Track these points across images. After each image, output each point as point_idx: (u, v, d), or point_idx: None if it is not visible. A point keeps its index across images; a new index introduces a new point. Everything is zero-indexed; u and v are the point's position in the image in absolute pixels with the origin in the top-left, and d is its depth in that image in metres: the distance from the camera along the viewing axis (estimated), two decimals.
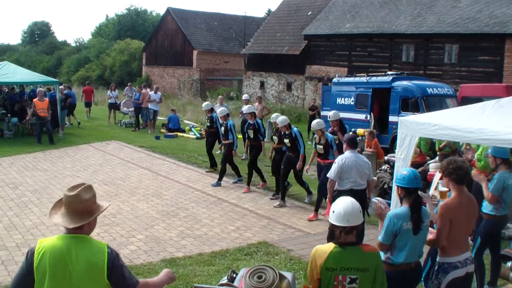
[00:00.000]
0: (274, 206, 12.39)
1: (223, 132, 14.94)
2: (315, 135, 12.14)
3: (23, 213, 11.56)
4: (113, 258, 3.79)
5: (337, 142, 12.47)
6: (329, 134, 12.06)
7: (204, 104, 16.94)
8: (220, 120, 15.45)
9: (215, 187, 14.21)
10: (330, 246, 4.61)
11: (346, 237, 4.59)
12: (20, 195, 13.11)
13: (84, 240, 3.79)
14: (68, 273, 3.66)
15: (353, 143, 9.27)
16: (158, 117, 25.94)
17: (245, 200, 13.01)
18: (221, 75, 49.48)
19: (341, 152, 10.53)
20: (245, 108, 15.40)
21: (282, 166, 12.63)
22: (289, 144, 12.50)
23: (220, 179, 14.55)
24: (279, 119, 12.94)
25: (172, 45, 52.07)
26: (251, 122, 14.58)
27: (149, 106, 24.79)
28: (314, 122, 12.04)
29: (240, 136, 20.81)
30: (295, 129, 12.64)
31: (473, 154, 11.24)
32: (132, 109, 25.92)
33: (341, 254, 4.54)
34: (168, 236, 10.26)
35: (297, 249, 9.53)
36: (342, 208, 4.60)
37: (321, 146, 11.80)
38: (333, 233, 8.36)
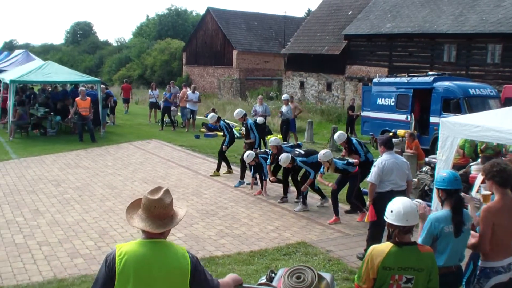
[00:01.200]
0: (295, 210, 12.20)
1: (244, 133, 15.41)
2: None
3: (65, 210, 11.76)
4: (195, 263, 3.74)
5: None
6: (338, 161, 11.48)
7: (236, 112, 15.77)
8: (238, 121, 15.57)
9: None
10: (388, 245, 4.61)
11: (403, 236, 4.61)
12: (62, 192, 13.35)
13: (167, 246, 3.73)
14: (152, 279, 3.60)
15: (390, 144, 9.18)
16: (197, 116, 26.09)
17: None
18: (260, 75, 49.52)
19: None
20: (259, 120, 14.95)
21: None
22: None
23: (242, 177, 14.53)
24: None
25: (212, 45, 52.31)
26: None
27: (187, 105, 24.93)
28: (321, 153, 11.40)
29: (279, 136, 20.88)
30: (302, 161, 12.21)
31: None
32: (173, 108, 26.10)
33: (399, 253, 4.55)
34: (207, 235, 10.32)
35: (336, 250, 9.49)
36: (401, 207, 4.61)
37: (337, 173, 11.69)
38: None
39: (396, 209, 4.61)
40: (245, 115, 15.30)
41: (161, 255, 3.65)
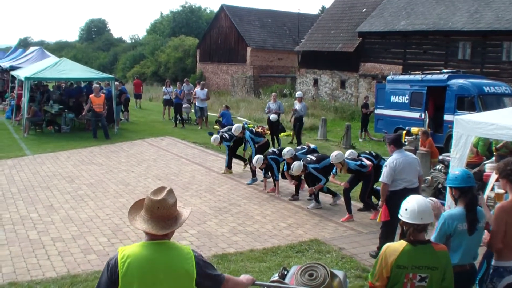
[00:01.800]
0: (308, 208, 12.20)
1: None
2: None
3: (79, 206, 11.84)
4: (200, 262, 3.68)
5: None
6: (351, 162, 11.38)
7: (234, 128, 15.36)
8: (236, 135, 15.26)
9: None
10: (402, 244, 4.60)
11: (418, 235, 4.61)
12: (76, 188, 13.43)
13: (171, 247, 3.66)
14: (157, 282, 3.52)
15: (399, 143, 9.15)
16: (210, 113, 26.09)
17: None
18: (274, 72, 49.47)
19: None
20: (285, 152, 13.40)
21: None
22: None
23: (254, 175, 14.51)
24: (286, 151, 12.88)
25: (226, 42, 52.31)
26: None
27: (196, 103, 24.94)
28: (333, 155, 11.35)
29: (291, 133, 20.89)
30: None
31: None
32: (186, 105, 26.12)
33: (413, 252, 4.54)
34: (220, 231, 10.34)
35: (349, 248, 9.47)
36: (416, 206, 4.60)
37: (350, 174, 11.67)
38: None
39: (411, 207, 4.59)
40: (243, 128, 15.12)
41: (165, 257, 3.58)
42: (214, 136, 15.68)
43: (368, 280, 4.81)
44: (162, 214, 3.60)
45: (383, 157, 12.12)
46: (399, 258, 4.51)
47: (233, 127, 14.96)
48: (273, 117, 19.70)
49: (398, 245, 4.61)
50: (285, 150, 12.96)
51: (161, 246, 3.62)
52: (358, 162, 11.30)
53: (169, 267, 3.55)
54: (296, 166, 12.02)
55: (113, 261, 3.57)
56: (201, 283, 3.65)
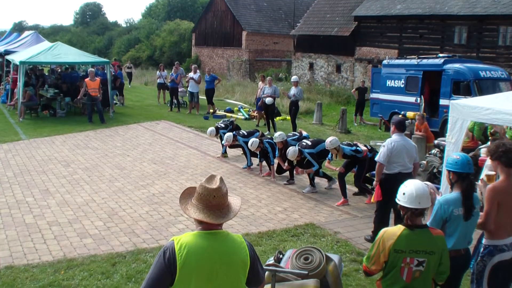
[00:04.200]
0: (303, 192, 12.21)
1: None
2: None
3: (75, 190, 11.84)
4: (252, 252, 3.64)
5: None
6: (346, 147, 11.33)
7: (208, 130, 15.62)
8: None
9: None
10: (400, 228, 4.63)
11: (415, 219, 4.63)
12: (71, 172, 13.43)
13: (226, 237, 3.58)
14: (214, 272, 3.46)
15: (402, 126, 9.10)
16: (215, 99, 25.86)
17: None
18: (270, 56, 49.40)
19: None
20: (276, 136, 13.25)
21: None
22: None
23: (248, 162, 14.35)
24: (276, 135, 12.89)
25: (221, 26, 52.16)
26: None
27: (189, 88, 24.77)
28: (328, 141, 11.33)
29: (288, 117, 20.91)
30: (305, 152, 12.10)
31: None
32: (182, 89, 26.02)
33: (411, 236, 4.56)
34: None
35: (344, 232, 9.51)
36: (414, 190, 4.61)
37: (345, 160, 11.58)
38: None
39: (409, 191, 4.61)
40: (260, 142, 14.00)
41: (222, 247, 3.51)
42: (210, 129, 15.60)
43: (363, 263, 4.82)
44: (217, 202, 3.54)
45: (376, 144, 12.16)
46: (397, 243, 4.53)
47: (250, 143, 13.49)
48: (268, 100, 19.66)
49: (396, 229, 4.63)
50: (276, 134, 13.02)
51: (217, 236, 3.55)
52: (354, 148, 11.30)
53: (226, 257, 3.50)
54: (292, 151, 12.01)
55: (170, 251, 3.44)
56: (250, 274, 3.63)
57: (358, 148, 11.32)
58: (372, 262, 4.66)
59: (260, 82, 22.47)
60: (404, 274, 4.61)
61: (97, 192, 11.77)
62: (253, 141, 13.20)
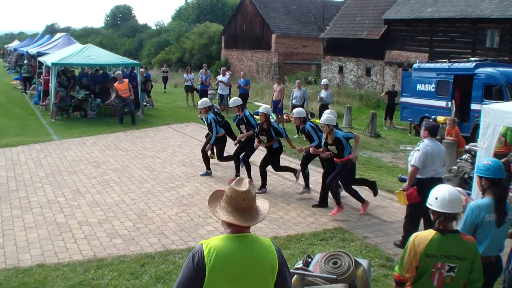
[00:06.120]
0: (297, 193, 12.12)
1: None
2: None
3: (105, 191, 11.97)
4: (281, 256, 3.63)
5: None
6: (339, 131, 10.61)
7: (200, 101, 14.09)
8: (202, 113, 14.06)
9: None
10: (431, 232, 4.58)
11: (447, 224, 4.58)
12: (102, 173, 13.56)
13: (254, 240, 3.58)
14: (243, 276, 3.47)
15: (435, 131, 9.00)
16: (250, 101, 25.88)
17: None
18: (299, 59, 49.28)
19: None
20: (231, 102, 13.31)
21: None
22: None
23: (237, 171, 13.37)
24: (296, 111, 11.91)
25: (250, 29, 52.19)
26: (240, 116, 12.93)
27: (219, 91, 24.89)
28: (325, 114, 10.67)
29: (317, 120, 20.74)
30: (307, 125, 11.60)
31: None
32: (211, 92, 26.13)
33: (442, 241, 4.51)
34: None
35: (373, 237, 9.45)
36: (447, 194, 4.57)
37: (334, 147, 10.62)
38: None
39: (442, 196, 4.56)
40: (209, 107, 13.65)
41: (251, 250, 3.52)
42: (205, 99, 14.12)
43: (395, 273, 4.76)
44: (246, 205, 3.54)
45: None
46: (428, 247, 4.48)
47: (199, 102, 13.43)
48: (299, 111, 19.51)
49: (427, 233, 4.58)
50: (262, 107, 12.52)
51: (245, 239, 3.56)
52: (347, 135, 10.71)
53: (254, 260, 3.50)
54: (299, 109, 11.86)
55: (199, 255, 3.46)
56: (278, 278, 3.60)
57: (350, 134, 10.80)
58: (406, 269, 4.61)
59: (276, 85, 22.34)
60: (434, 279, 4.55)
61: (127, 193, 11.88)
62: (235, 98, 13.20)
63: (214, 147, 14.02)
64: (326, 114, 10.77)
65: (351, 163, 10.64)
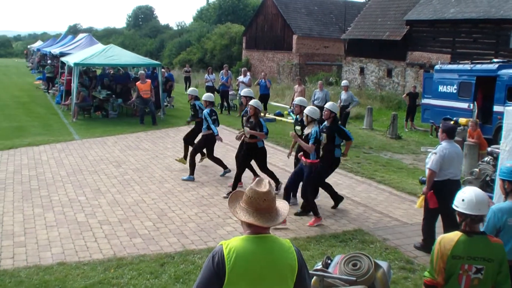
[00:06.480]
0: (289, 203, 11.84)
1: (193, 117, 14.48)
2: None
3: (125, 190, 12.03)
4: (300, 258, 3.62)
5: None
6: (315, 126, 10.15)
7: (190, 89, 15.11)
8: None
9: None
10: (457, 234, 4.55)
11: (474, 226, 4.55)
12: (122, 173, 13.64)
13: (274, 241, 3.57)
14: (262, 277, 3.46)
15: (453, 133, 8.95)
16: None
17: (341, 187, 12.87)
18: (320, 60, 49.16)
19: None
20: (244, 91, 13.27)
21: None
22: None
23: (191, 173, 13.35)
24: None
25: (272, 30, 52.18)
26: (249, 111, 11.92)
27: (239, 90, 24.93)
28: (308, 108, 10.39)
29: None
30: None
31: None
32: (232, 92, 26.17)
33: (468, 242, 4.48)
34: None
35: (393, 239, 9.40)
36: (474, 196, 4.54)
37: (325, 135, 10.46)
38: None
39: (468, 197, 4.53)
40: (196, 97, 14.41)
41: (270, 251, 3.51)
42: (209, 94, 14.25)
43: (426, 278, 4.70)
44: (266, 206, 3.53)
45: None
46: (455, 248, 4.45)
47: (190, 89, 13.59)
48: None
49: (453, 235, 4.54)
50: (253, 100, 11.89)
51: (265, 240, 3.54)
52: (321, 126, 10.43)
53: (274, 261, 3.49)
54: (301, 98, 11.79)
55: (219, 255, 3.46)
56: (298, 280, 3.59)
57: (321, 138, 10.38)
58: (437, 272, 4.56)
59: (297, 86, 22.33)
60: (462, 281, 4.51)
61: (147, 193, 11.93)
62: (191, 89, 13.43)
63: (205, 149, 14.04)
64: (310, 106, 10.76)
65: (315, 168, 10.31)
